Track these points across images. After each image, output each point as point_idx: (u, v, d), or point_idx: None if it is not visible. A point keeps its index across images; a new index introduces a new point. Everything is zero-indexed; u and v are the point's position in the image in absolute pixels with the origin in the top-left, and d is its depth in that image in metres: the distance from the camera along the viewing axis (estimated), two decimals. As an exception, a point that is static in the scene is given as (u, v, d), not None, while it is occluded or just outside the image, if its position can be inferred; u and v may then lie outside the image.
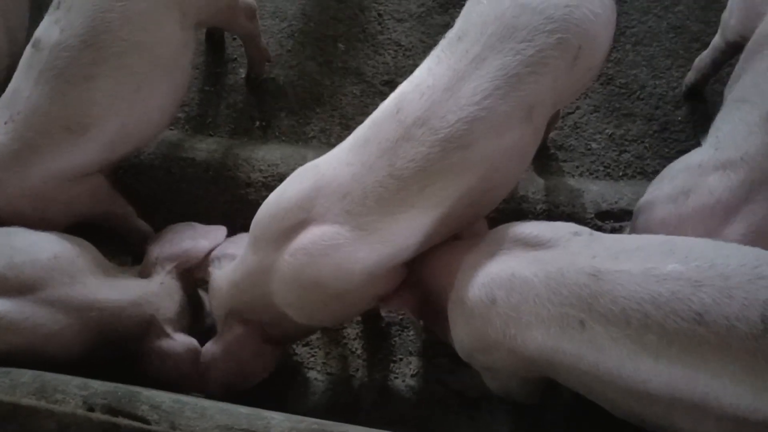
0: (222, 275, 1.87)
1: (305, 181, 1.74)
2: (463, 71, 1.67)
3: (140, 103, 1.99)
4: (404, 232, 1.69)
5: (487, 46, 1.67)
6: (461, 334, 1.69)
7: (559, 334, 1.49)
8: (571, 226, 1.66)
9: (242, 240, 1.89)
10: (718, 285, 1.36)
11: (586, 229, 1.64)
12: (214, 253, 1.95)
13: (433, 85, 1.68)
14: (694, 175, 1.71)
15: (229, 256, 1.91)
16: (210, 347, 1.89)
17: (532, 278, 1.54)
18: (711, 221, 1.65)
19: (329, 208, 1.68)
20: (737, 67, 1.91)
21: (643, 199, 1.82)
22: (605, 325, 1.43)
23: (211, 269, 1.92)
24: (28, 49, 1.96)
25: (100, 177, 2.09)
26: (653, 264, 1.43)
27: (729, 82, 1.92)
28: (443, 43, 1.77)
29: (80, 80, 1.91)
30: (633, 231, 1.83)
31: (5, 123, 1.91)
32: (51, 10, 1.97)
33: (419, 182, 1.65)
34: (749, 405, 1.34)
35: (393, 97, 1.75)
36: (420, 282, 1.81)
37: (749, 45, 1.89)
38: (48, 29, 1.93)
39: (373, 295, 1.80)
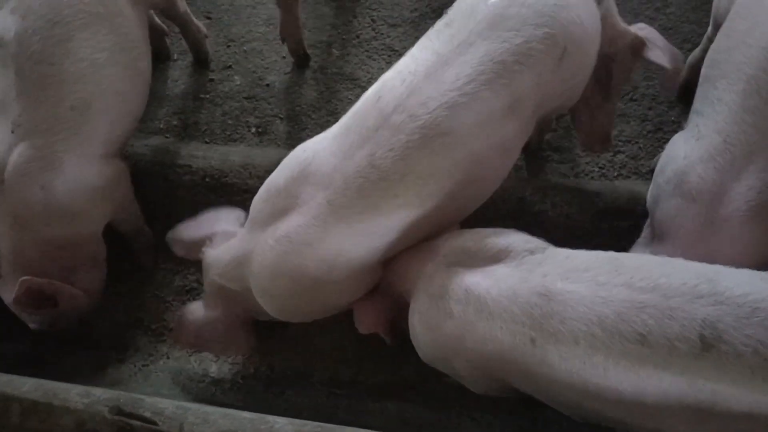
0: (214, 254, 1.87)
1: (294, 167, 1.75)
2: (447, 56, 1.67)
3: (122, 70, 2.02)
4: (386, 224, 1.68)
5: (474, 32, 1.68)
6: (421, 344, 1.72)
7: (511, 348, 1.53)
8: (527, 241, 1.67)
9: (231, 215, 1.93)
10: (660, 306, 1.40)
11: (541, 244, 1.66)
12: (205, 233, 1.95)
13: (416, 71, 1.68)
14: (681, 166, 1.73)
15: (221, 234, 1.90)
16: (191, 312, 1.91)
17: (485, 294, 1.57)
18: (710, 207, 1.67)
19: (313, 196, 1.68)
20: (711, 46, 1.90)
21: (649, 195, 1.86)
22: (555, 344, 1.48)
23: (204, 249, 1.91)
24: None
25: (122, 163, 2.12)
26: (601, 285, 1.48)
27: (705, 62, 1.90)
28: (430, 31, 1.78)
29: (61, 58, 1.90)
30: (652, 226, 1.84)
31: (12, 132, 1.88)
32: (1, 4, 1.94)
33: (399, 172, 1.64)
34: (700, 406, 1.38)
35: (375, 85, 1.76)
36: (388, 289, 1.82)
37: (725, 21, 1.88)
38: (4, 23, 1.90)
39: (346, 294, 1.80)
